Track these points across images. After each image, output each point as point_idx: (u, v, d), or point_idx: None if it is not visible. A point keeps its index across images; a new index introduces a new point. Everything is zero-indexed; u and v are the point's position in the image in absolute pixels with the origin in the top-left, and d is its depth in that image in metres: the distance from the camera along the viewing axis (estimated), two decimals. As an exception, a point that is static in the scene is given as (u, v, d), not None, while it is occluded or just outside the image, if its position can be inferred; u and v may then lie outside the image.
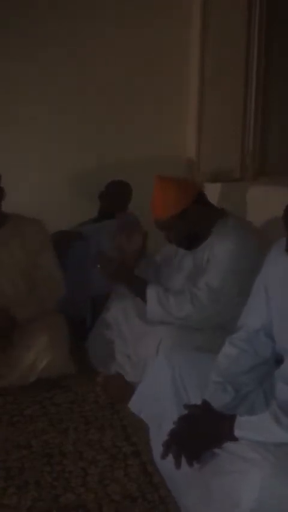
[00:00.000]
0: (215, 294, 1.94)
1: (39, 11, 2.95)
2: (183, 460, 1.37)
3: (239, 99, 2.86)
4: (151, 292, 2.03)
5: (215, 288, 1.94)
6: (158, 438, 1.60)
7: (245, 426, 1.28)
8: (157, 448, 1.63)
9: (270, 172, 2.78)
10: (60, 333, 2.33)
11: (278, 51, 2.71)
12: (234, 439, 1.28)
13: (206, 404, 1.45)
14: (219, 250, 1.96)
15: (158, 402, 1.63)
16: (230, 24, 2.85)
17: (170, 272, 2.21)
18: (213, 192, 2.70)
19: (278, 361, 1.50)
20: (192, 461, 1.37)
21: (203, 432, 1.37)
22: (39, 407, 2.15)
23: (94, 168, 3.08)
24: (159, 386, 1.63)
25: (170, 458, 1.42)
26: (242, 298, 1.65)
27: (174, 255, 2.24)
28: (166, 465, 1.57)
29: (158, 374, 1.66)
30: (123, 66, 3.11)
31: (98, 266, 2.21)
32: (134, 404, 1.76)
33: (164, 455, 1.40)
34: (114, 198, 2.92)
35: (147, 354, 1.95)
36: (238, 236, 1.96)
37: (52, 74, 3.03)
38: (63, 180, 3.10)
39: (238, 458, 1.25)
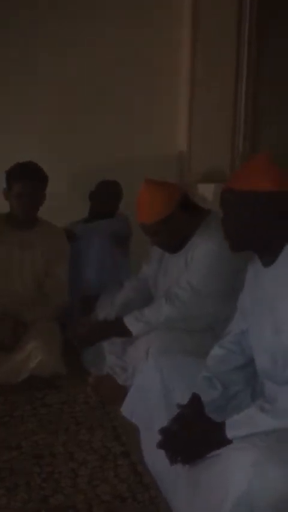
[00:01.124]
0: (196, 292, 1.97)
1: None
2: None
3: (229, 99, 2.88)
4: (127, 318, 2.08)
5: (196, 286, 1.97)
6: (148, 440, 1.61)
7: (235, 425, 1.30)
8: (148, 451, 1.64)
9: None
10: (53, 333, 2.36)
11: (269, 51, 2.73)
12: (229, 442, 1.29)
13: (195, 398, 1.46)
14: (200, 250, 1.99)
15: (147, 405, 1.64)
16: (221, 23, 2.87)
17: (157, 277, 2.22)
18: (206, 193, 2.71)
19: None
20: (186, 464, 1.38)
21: (195, 440, 1.37)
22: (30, 408, 2.15)
23: (85, 167, 3.07)
24: (149, 389, 1.64)
25: (161, 458, 1.42)
26: (229, 300, 1.67)
27: (161, 260, 2.24)
28: (157, 466, 1.58)
29: (147, 378, 1.67)
30: (113, 65, 3.10)
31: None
32: (126, 409, 1.77)
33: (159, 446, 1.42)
34: (105, 198, 2.91)
35: (137, 357, 1.96)
36: (220, 237, 1.95)
37: (42, 72, 3.02)
38: (53, 179, 3.09)
39: (227, 449, 1.28)
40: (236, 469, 1.19)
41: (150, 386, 1.62)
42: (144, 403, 1.65)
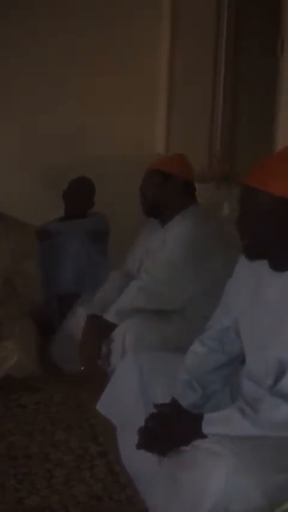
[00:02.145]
0: (165, 266, 2.02)
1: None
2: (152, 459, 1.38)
3: (207, 100, 2.89)
4: (106, 313, 2.06)
5: (165, 260, 2.03)
6: (125, 438, 1.60)
7: (212, 422, 1.29)
8: (124, 449, 1.63)
9: (237, 174, 2.81)
10: (30, 334, 2.32)
11: (247, 52, 2.76)
12: (203, 436, 1.29)
13: (174, 402, 1.46)
14: (175, 231, 2.06)
15: (125, 402, 1.63)
16: (200, 26, 2.89)
17: (142, 262, 2.22)
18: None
19: (243, 359, 1.52)
20: (160, 456, 1.37)
21: (171, 431, 1.37)
22: (5, 409, 2.12)
23: (63, 166, 3.04)
24: (127, 386, 1.63)
25: (139, 458, 1.41)
26: (202, 286, 1.71)
27: (144, 244, 2.25)
28: (134, 465, 1.57)
29: (125, 374, 1.65)
30: (92, 64, 3.09)
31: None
32: (102, 405, 1.75)
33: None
34: (75, 196, 2.89)
35: (115, 349, 1.94)
36: (195, 222, 2.08)
37: (18, 71, 2.99)
38: (30, 178, 3.07)
39: (205, 453, 1.26)
40: (211, 475, 1.18)
41: (128, 382, 1.61)
42: (122, 401, 1.63)
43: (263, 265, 1.36)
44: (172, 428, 1.36)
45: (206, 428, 1.29)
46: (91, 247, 2.78)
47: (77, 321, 2.30)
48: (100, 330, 2.05)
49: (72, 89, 3.08)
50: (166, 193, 2.11)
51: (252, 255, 1.33)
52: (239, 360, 1.54)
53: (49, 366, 2.36)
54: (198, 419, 1.31)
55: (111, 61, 3.12)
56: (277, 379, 1.30)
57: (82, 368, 2.15)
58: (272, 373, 1.32)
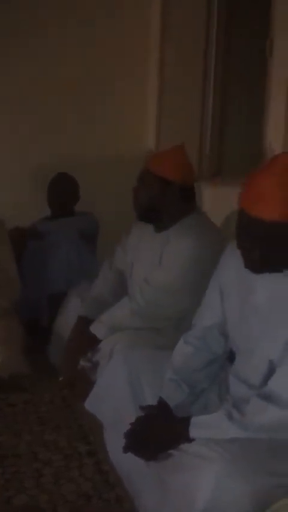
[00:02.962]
0: (164, 294, 1.92)
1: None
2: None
3: (197, 101, 2.90)
4: (93, 326, 2.02)
5: (164, 287, 1.92)
6: (113, 437, 1.60)
7: (200, 425, 1.29)
8: (113, 448, 1.63)
9: (227, 173, 2.82)
10: (13, 332, 2.30)
11: (237, 52, 2.77)
12: (190, 440, 1.29)
13: (162, 403, 1.46)
14: (174, 247, 1.93)
15: (114, 401, 1.62)
16: (190, 25, 2.89)
17: (133, 265, 2.15)
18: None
19: (230, 358, 1.52)
20: (148, 461, 1.37)
21: (158, 434, 1.37)
22: (-7, 409, 2.11)
23: (53, 165, 3.03)
24: (116, 384, 1.62)
25: (127, 458, 1.41)
26: (197, 300, 1.65)
27: (137, 247, 2.16)
28: (123, 464, 1.57)
29: (114, 372, 1.65)
30: (82, 63, 3.08)
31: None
32: (90, 404, 1.75)
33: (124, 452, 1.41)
34: (59, 193, 2.87)
35: (102, 356, 1.93)
36: (197, 235, 1.93)
37: (11, 70, 2.98)
38: (20, 176, 3.06)
39: (193, 457, 1.26)
40: (201, 479, 1.19)
41: (117, 381, 1.61)
42: (110, 400, 1.63)
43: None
44: (159, 432, 1.37)
45: (193, 432, 1.29)
46: (81, 246, 2.77)
47: (66, 320, 2.29)
48: (85, 345, 2.01)
49: (62, 89, 3.07)
50: (163, 200, 1.95)
51: (260, 270, 1.32)
52: (225, 358, 1.55)
53: (40, 364, 2.35)
54: (185, 422, 1.31)
55: (102, 60, 3.12)
56: (265, 380, 1.30)
57: (60, 378, 2.12)
58: (261, 374, 1.33)
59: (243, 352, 1.42)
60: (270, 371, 1.30)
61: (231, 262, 1.45)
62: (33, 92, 3.02)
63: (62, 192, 2.88)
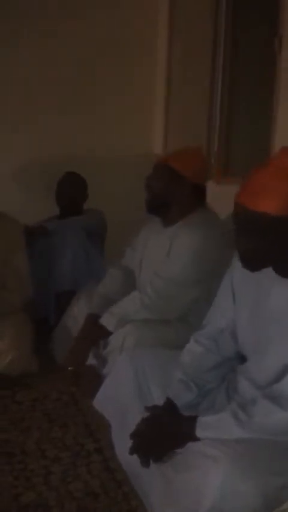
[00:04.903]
0: (172, 282, 1.96)
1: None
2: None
3: (205, 99, 2.90)
4: (103, 318, 2.04)
5: (172, 277, 1.95)
6: (120, 436, 1.60)
7: (206, 426, 1.29)
8: (120, 446, 1.63)
9: (234, 172, 2.82)
10: (24, 331, 2.31)
11: (245, 49, 2.76)
12: (196, 439, 1.29)
13: (169, 403, 1.46)
14: (182, 241, 1.97)
15: (121, 400, 1.63)
16: (197, 24, 2.89)
17: (142, 262, 2.18)
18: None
19: (242, 358, 1.51)
20: (156, 462, 1.37)
21: (165, 434, 1.37)
22: (0, 406, 2.11)
23: (62, 164, 3.03)
24: (122, 383, 1.63)
25: (134, 457, 1.41)
26: (205, 294, 1.65)
27: (145, 244, 2.19)
28: (130, 462, 1.56)
29: (121, 372, 1.66)
30: (89, 64, 3.08)
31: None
32: (98, 402, 1.75)
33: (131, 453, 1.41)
34: (69, 193, 2.89)
35: (113, 350, 1.95)
36: (202, 235, 1.96)
37: (18, 69, 2.98)
38: (29, 175, 3.07)
39: (200, 456, 1.26)
40: (207, 478, 1.19)
41: (124, 380, 1.61)
42: (118, 398, 1.63)
43: (265, 272, 1.33)
44: (165, 433, 1.37)
45: (199, 433, 1.29)
46: (89, 245, 2.78)
47: (75, 319, 2.30)
48: (95, 335, 2.05)
49: (69, 88, 3.07)
50: (173, 193, 2.00)
51: (253, 267, 1.31)
52: (235, 359, 1.54)
53: (47, 362, 2.36)
54: (191, 422, 1.31)
55: (109, 61, 3.12)
56: (276, 382, 1.29)
57: (69, 368, 2.13)
58: (273, 377, 1.32)
59: (255, 355, 1.41)
60: (284, 374, 1.28)
61: (244, 276, 1.43)
62: (42, 92, 3.03)
63: (70, 191, 2.89)
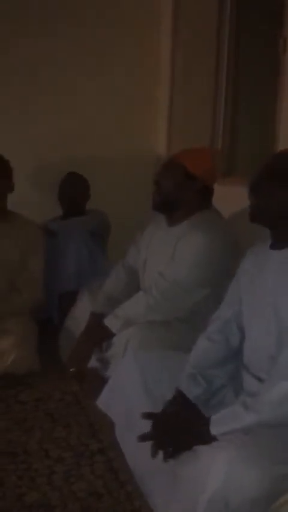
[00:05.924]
0: (177, 284, 1.95)
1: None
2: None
3: (208, 100, 2.90)
4: (107, 320, 2.03)
5: (177, 278, 1.95)
6: (126, 435, 1.60)
7: (219, 422, 1.30)
8: (126, 445, 1.63)
9: (238, 172, 2.82)
10: (28, 330, 2.32)
11: (249, 50, 2.76)
12: (214, 439, 1.29)
13: (181, 396, 1.47)
14: (188, 242, 1.96)
15: (125, 401, 1.63)
16: (201, 25, 2.89)
17: (146, 261, 2.16)
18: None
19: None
20: (169, 458, 1.37)
21: (185, 429, 1.37)
22: (3, 406, 2.11)
23: (64, 164, 3.04)
24: (128, 383, 1.63)
25: (141, 456, 1.41)
26: (210, 295, 1.65)
27: (149, 245, 2.18)
28: (136, 463, 1.56)
29: (127, 372, 1.66)
30: (91, 63, 3.08)
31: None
32: (102, 402, 1.75)
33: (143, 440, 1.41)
34: (71, 193, 2.89)
35: (117, 351, 1.94)
36: (211, 232, 1.96)
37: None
38: (31, 176, 3.07)
39: (206, 446, 1.28)
40: (211, 466, 1.19)
41: (130, 381, 1.61)
42: (122, 398, 1.64)
43: (265, 253, 1.43)
44: (181, 431, 1.37)
45: (214, 430, 1.30)
46: (92, 245, 2.77)
47: (79, 319, 2.30)
48: (99, 336, 2.04)
49: (70, 88, 3.07)
50: (183, 193, 1.99)
51: (259, 220, 1.43)
52: (241, 355, 1.55)
53: (50, 362, 2.36)
54: (205, 423, 1.31)
55: (112, 60, 3.12)
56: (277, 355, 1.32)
57: (71, 370, 2.13)
58: (272, 346, 1.35)
59: (254, 333, 1.45)
60: (280, 345, 1.33)
61: (249, 265, 1.50)
62: (44, 92, 3.03)
63: (73, 191, 2.90)
